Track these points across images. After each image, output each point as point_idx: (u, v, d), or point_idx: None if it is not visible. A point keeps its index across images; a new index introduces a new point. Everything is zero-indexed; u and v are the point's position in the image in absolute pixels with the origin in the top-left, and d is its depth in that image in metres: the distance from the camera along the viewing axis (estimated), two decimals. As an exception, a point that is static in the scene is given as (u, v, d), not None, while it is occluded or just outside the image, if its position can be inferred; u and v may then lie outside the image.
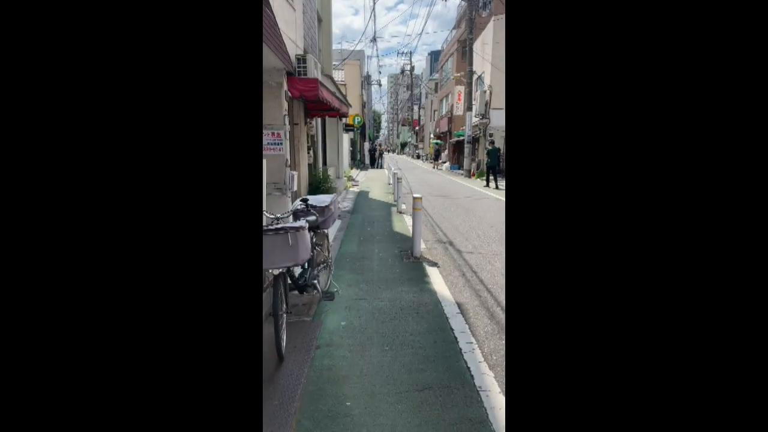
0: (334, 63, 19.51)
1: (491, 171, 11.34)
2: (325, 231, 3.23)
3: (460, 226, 5.89)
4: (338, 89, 8.51)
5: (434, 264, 3.98)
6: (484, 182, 11.68)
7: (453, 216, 6.76)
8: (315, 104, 6.23)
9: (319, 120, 7.53)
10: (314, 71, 5.72)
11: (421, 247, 4.32)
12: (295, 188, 4.61)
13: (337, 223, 6.13)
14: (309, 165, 7.01)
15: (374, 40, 16.88)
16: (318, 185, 6.84)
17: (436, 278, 3.55)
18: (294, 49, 5.75)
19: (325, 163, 10.89)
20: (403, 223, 6.14)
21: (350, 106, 12.21)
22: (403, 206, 7.56)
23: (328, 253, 3.30)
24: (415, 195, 4.12)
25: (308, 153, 6.87)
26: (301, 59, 5.65)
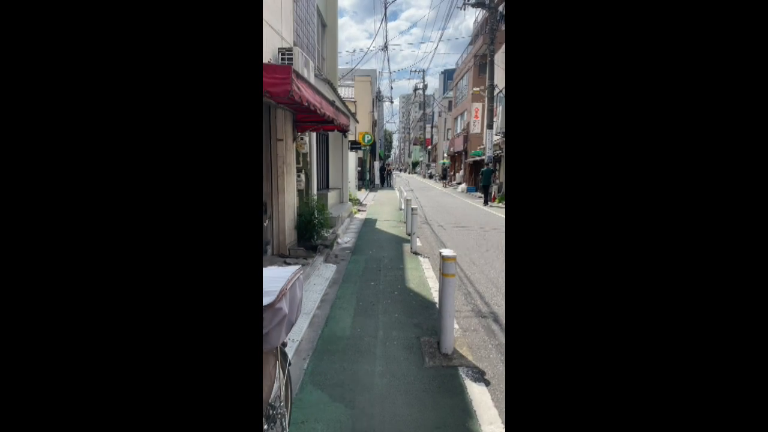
0: (348, 82, 18.56)
1: (484, 189, 12.70)
2: (282, 346, 1.64)
3: (498, 280, 4.25)
4: (339, 98, 7.10)
5: (480, 375, 2.33)
6: (483, 201, 12.87)
7: (483, 260, 5.12)
8: (306, 114, 4.78)
9: (314, 135, 6.08)
10: (303, 69, 4.28)
11: (454, 328, 2.69)
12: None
13: (331, 270, 4.56)
14: (299, 191, 5.52)
15: (385, 47, 15.65)
16: (310, 218, 5.32)
17: (491, 426, 1.90)
18: (278, 41, 4.34)
19: (327, 186, 9.44)
20: (420, 272, 4.53)
21: (357, 121, 10.80)
22: (418, 243, 5.96)
23: (282, 391, 1.69)
24: (445, 252, 2.53)
25: (298, 176, 5.39)
26: (286, 53, 4.23)
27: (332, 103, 4.66)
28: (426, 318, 3.16)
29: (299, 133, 5.09)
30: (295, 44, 4.92)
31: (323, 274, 4.41)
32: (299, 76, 2.81)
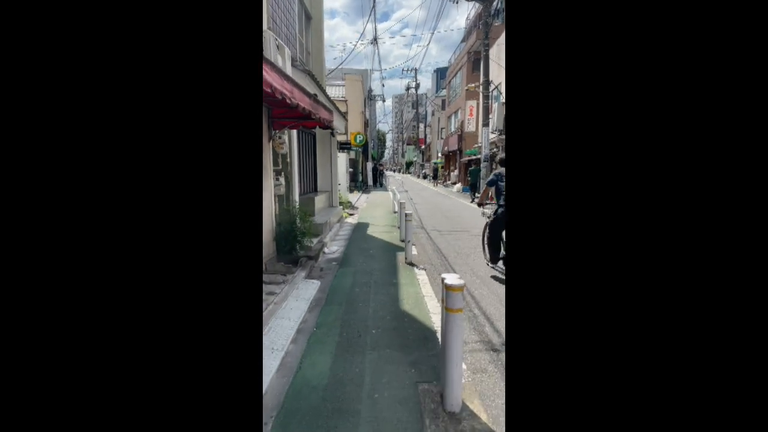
0: (339, 82, 17.89)
1: (473, 188, 12.93)
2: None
3: (508, 297, 3.66)
4: (324, 92, 6.48)
5: (499, 447, 1.74)
6: (471, 199, 12.94)
7: (488, 272, 4.54)
8: (283, 109, 4.17)
9: (295, 134, 5.47)
10: (275, 56, 3.66)
11: (462, 370, 2.07)
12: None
13: (314, 288, 3.95)
14: (279, 197, 4.90)
15: (375, 41, 14.99)
16: (290, 227, 4.70)
17: None
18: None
19: (315, 189, 8.83)
20: (415, 288, 3.94)
21: (345, 118, 10.20)
22: (414, 252, 5.37)
23: None
24: (448, 279, 1.92)
25: (277, 180, 4.77)
26: (254, 37, 3.60)
27: (312, 96, 4.05)
28: (424, 354, 2.57)
29: (276, 131, 4.48)
30: (269, 29, 4.31)
31: (303, 293, 3.79)
32: (264, 61, 2.21)
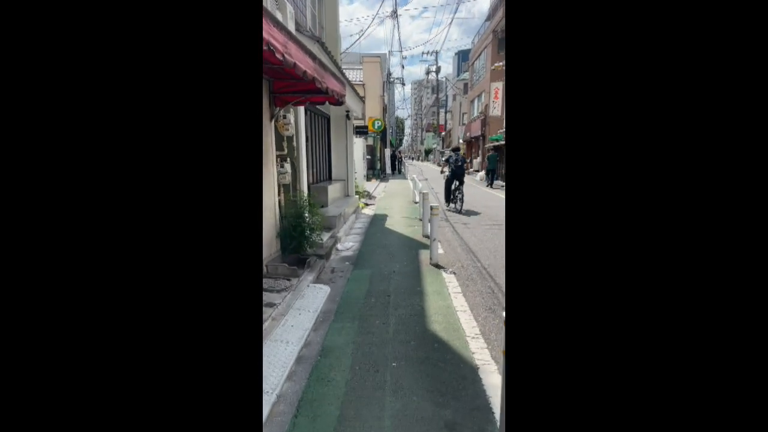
0: (357, 67, 17.03)
1: (490, 174, 13.42)
2: None
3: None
4: (336, 65, 5.73)
5: None
6: (489, 183, 13.67)
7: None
8: (286, 82, 3.47)
9: (303, 114, 4.76)
10: (275, 13, 2.94)
11: None
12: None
13: (322, 296, 3.30)
14: (284, 186, 4.25)
15: (395, 13, 13.93)
16: (298, 221, 4.05)
17: None
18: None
19: (329, 177, 8.17)
20: (445, 299, 3.23)
21: (361, 99, 9.41)
22: (440, 251, 4.65)
23: None
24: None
25: (281, 167, 4.11)
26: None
27: (322, 64, 3.32)
28: (465, 406, 1.87)
29: (279, 109, 3.80)
30: (267, -17, 3.58)
31: (309, 304, 3.15)
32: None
